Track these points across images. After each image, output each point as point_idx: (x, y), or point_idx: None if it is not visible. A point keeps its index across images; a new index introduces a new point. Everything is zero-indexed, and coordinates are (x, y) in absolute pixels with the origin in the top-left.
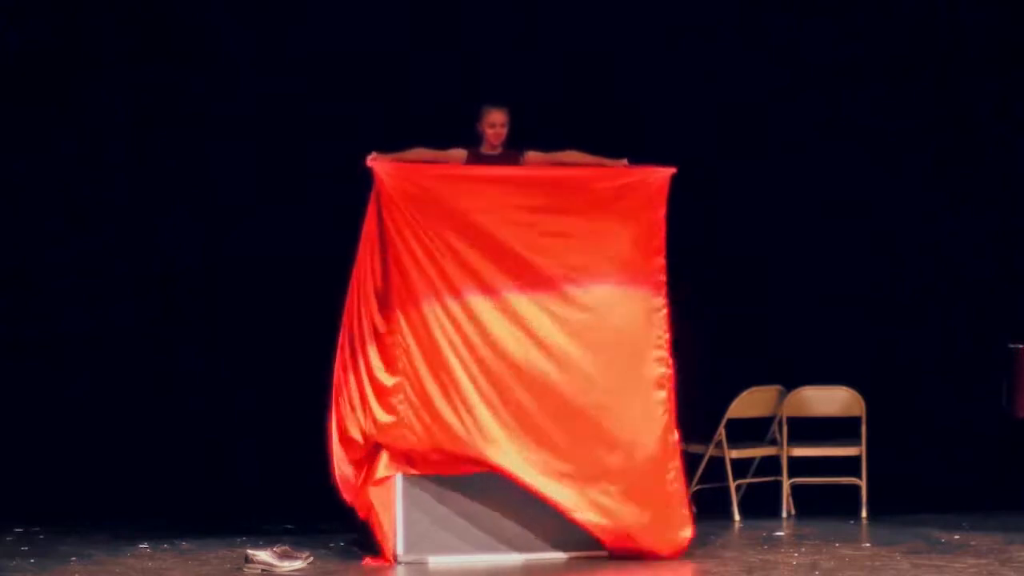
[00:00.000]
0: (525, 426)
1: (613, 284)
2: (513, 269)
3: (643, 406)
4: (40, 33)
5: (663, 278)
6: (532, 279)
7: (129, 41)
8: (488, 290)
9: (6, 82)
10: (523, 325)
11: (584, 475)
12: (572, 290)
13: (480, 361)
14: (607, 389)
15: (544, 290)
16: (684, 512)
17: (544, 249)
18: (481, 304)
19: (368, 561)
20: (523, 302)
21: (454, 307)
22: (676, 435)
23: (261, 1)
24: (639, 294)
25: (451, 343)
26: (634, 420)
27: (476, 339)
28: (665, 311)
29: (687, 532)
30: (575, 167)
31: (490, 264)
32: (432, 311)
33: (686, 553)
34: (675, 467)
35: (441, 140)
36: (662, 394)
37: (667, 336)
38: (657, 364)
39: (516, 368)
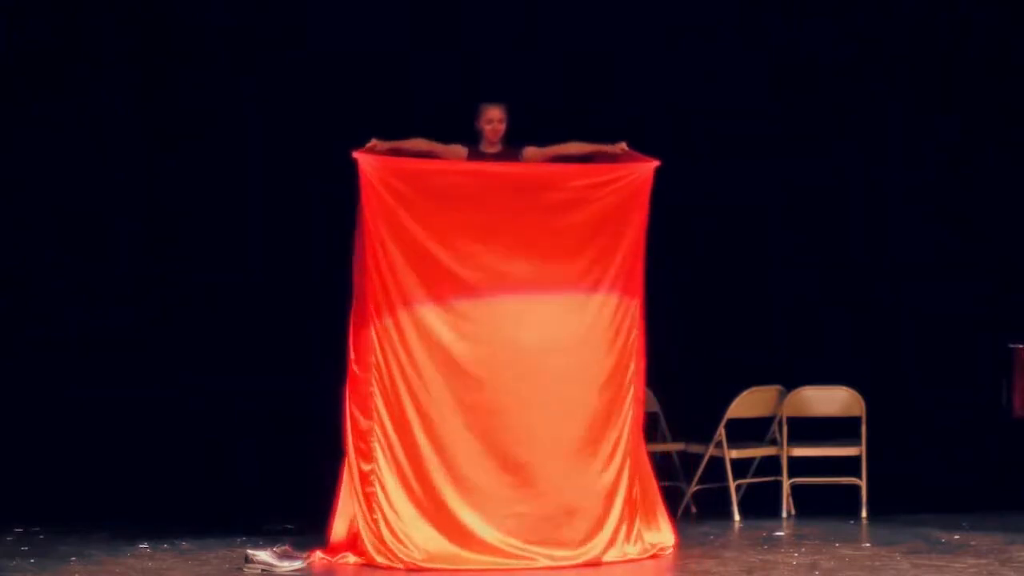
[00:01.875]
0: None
1: (581, 291)
2: (476, 274)
3: (584, 407)
4: (40, 33)
5: (639, 278)
6: (497, 284)
7: (129, 41)
8: (454, 295)
9: (6, 82)
10: (477, 332)
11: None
12: (537, 297)
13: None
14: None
15: (505, 294)
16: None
17: (514, 251)
18: (446, 310)
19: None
20: (479, 307)
21: (425, 313)
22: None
23: (261, 1)
24: (609, 299)
25: (399, 360)
26: (561, 417)
27: (433, 350)
28: (623, 310)
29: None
30: (562, 163)
31: (459, 269)
32: (405, 317)
33: (686, 553)
34: (615, 466)
35: (441, 140)
36: (610, 392)
37: (629, 335)
38: (610, 366)
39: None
